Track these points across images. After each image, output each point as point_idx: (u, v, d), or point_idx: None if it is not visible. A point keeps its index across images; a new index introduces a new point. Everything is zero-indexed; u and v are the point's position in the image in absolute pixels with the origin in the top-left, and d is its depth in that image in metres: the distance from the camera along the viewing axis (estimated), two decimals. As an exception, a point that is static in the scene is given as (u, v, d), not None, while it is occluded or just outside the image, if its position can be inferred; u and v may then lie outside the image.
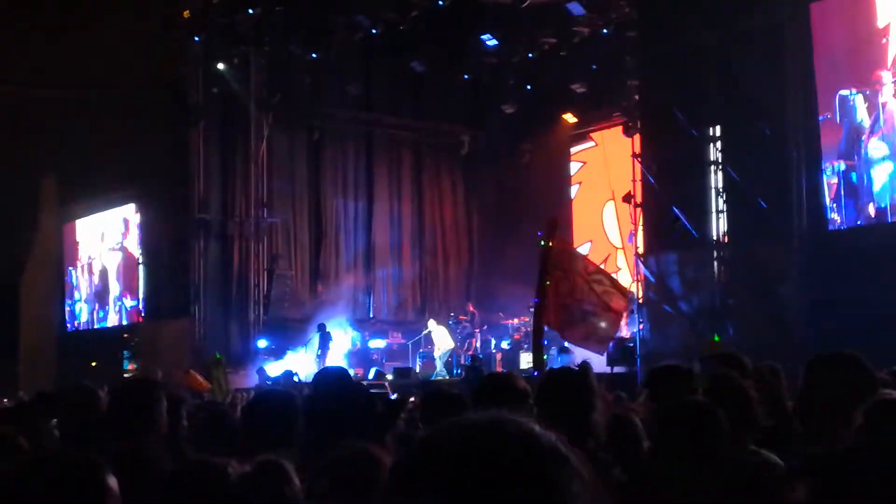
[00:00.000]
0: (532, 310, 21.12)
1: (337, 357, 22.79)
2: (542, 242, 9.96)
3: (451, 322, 24.13)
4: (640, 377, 15.61)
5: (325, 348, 22.70)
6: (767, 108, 16.62)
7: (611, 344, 18.19)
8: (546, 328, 10.50)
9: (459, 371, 21.26)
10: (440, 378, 21.85)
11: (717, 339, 16.79)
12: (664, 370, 5.33)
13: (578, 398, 4.27)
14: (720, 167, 17.86)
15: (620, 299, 10.53)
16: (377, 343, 24.41)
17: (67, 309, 31.14)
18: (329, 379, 5.20)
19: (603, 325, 10.20)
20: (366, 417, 4.81)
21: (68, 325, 31.06)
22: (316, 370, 21.91)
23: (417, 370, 23.03)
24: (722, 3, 17.25)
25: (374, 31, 22.80)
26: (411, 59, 23.93)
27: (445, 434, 1.51)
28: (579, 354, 18.79)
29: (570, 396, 4.29)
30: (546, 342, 11.92)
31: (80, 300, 30.92)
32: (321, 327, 23.06)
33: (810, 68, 16.35)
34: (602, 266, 13.59)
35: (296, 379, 18.53)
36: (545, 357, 10.89)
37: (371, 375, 21.89)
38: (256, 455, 3.38)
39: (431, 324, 23.32)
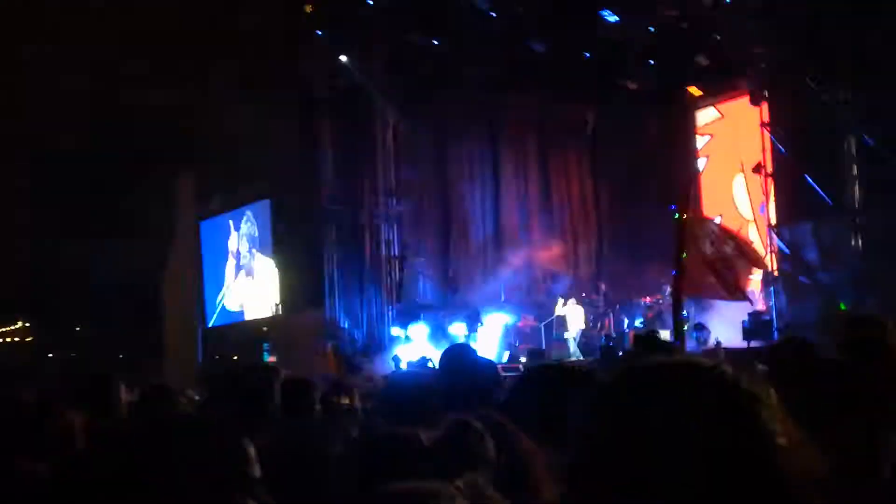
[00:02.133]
0: (670, 283, 21.06)
1: (489, 341, 22.91)
2: (676, 215, 9.96)
3: (584, 301, 23.96)
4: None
5: (474, 331, 22.86)
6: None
7: (746, 316, 17.96)
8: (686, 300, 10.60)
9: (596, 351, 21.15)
10: (576, 360, 21.75)
11: (842, 307, 16.40)
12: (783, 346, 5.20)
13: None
14: (854, 132, 17.36)
15: (754, 260, 10.51)
16: (508, 323, 24.34)
17: (209, 304, 31.97)
18: (454, 356, 5.28)
19: (736, 276, 10.19)
20: (494, 390, 4.87)
21: (209, 320, 31.88)
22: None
23: (551, 353, 22.99)
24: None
25: (492, 13, 22.74)
26: (531, 40, 23.80)
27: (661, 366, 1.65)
28: (714, 332, 18.66)
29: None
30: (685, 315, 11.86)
31: (221, 296, 31.70)
32: (472, 314, 23.25)
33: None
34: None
35: (430, 365, 18.67)
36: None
37: (505, 359, 21.94)
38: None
39: (563, 304, 23.17)
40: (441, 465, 2.96)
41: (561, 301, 23.14)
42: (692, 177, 25.39)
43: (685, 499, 1.52)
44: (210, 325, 31.70)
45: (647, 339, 18.01)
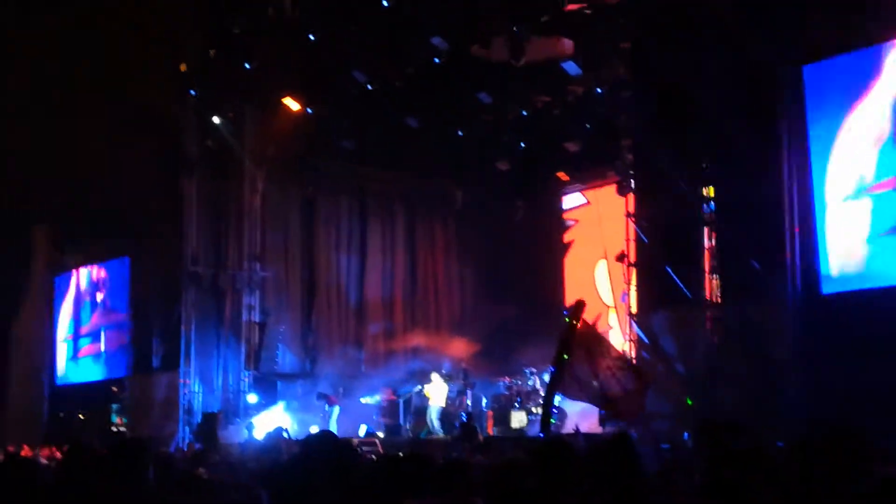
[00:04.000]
0: (534, 373, 21.24)
1: (340, 419, 22.66)
2: (568, 320, 10.44)
3: (445, 378, 23.88)
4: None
5: (329, 412, 22.59)
6: (762, 168, 16.64)
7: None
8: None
9: (454, 428, 21.06)
10: (435, 437, 21.61)
11: (689, 402, 16.79)
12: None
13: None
14: (714, 227, 17.87)
15: (638, 380, 10.92)
16: (368, 400, 24.11)
17: (57, 360, 30.94)
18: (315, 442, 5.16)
19: (625, 404, 10.64)
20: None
21: (58, 376, 30.84)
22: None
23: (408, 427, 22.86)
24: (715, 64, 17.27)
25: (369, 86, 22.84)
26: (406, 115, 23.96)
27: None
28: (570, 416, 18.79)
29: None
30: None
31: (70, 352, 30.73)
32: (320, 396, 23.01)
33: (804, 130, 16.39)
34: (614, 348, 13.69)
35: (285, 435, 18.36)
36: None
37: (362, 433, 21.72)
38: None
39: (432, 379, 22.87)
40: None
41: (433, 374, 22.83)
42: (555, 261, 25.80)
43: None
44: (59, 382, 30.65)
45: (467, 425, 18.14)
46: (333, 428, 21.91)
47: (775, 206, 16.53)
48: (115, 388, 28.38)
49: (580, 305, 11.08)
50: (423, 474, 3.52)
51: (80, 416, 28.18)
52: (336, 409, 22.62)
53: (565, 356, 10.03)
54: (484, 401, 22.98)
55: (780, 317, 16.45)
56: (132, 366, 27.52)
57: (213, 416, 21.83)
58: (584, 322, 10.86)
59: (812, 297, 16.16)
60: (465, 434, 18.55)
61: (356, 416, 23.23)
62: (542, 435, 9.52)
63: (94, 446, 5.59)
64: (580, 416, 17.87)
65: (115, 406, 28.13)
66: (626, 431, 5.06)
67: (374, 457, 13.19)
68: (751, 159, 16.78)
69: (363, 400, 23.93)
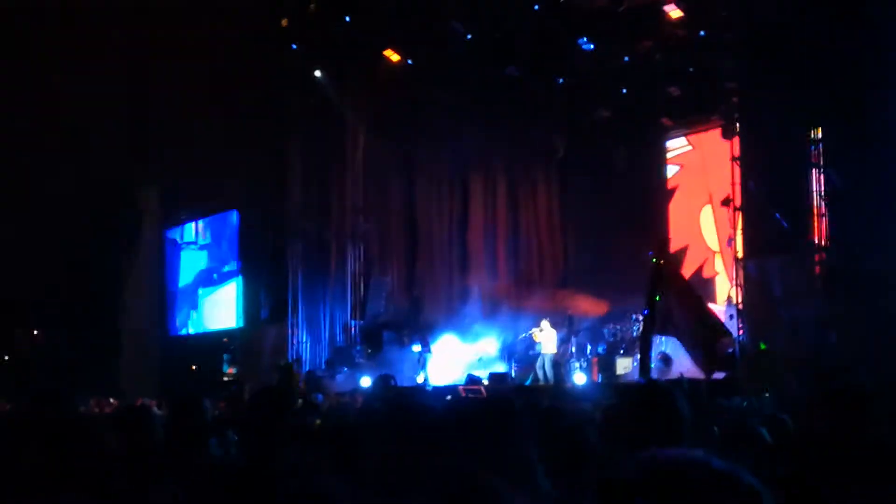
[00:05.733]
0: (641, 320, 21.12)
1: (443, 365, 22.82)
2: (654, 260, 10.23)
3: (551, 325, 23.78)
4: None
5: (424, 358, 22.76)
6: (871, 109, 16.20)
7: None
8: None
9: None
10: (542, 384, 21.61)
11: (763, 346, 16.51)
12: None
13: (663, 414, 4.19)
14: (822, 169, 17.46)
15: (723, 336, 10.70)
16: (474, 347, 24.20)
17: (169, 314, 31.72)
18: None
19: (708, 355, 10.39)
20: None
21: (171, 329, 31.63)
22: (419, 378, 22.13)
23: (513, 375, 22.91)
24: (817, 4, 16.81)
25: (468, 36, 22.76)
26: (506, 65, 23.79)
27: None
28: (678, 362, 18.66)
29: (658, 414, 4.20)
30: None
31: (182, 305, 31.46)
32: (421, 339, 23.17)
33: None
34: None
35: (392, 384, 18.57)
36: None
37: (463, 381, 21.86)
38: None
39: (541, 326, 22.75)
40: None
41: (544, 323, 22.71)
42: (659, 208, 25.49)
43: None
44: (172, 335, 31.46)
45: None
46: (429, 375, 22.15)
47: (886, 148, 16.09)
48: (225, 339, 29.00)
49: (664, 243, 10.87)
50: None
51: (192, 367, 28.86)
52: (430, 356, 22.79)
53: (657, 297, 9.88)
54: (589, 348, 22.94)
55: (891, 264, 16.05)
56: (242, 317, 28.09)
57: (287, 367, 22.16)
58: (670, 262, 10.67)
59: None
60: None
61: (461, 363, 23.37)
62: (642, 381, 9.36)
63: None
64: (687, 361, 17.72)
65: (226, 356, 28.75)
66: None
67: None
68: (859, 99, 16.33)
69: (469, 347, 24.06)
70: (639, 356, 20.78)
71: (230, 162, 26.38)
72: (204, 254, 30.64)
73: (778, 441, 4.65)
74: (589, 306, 24.04)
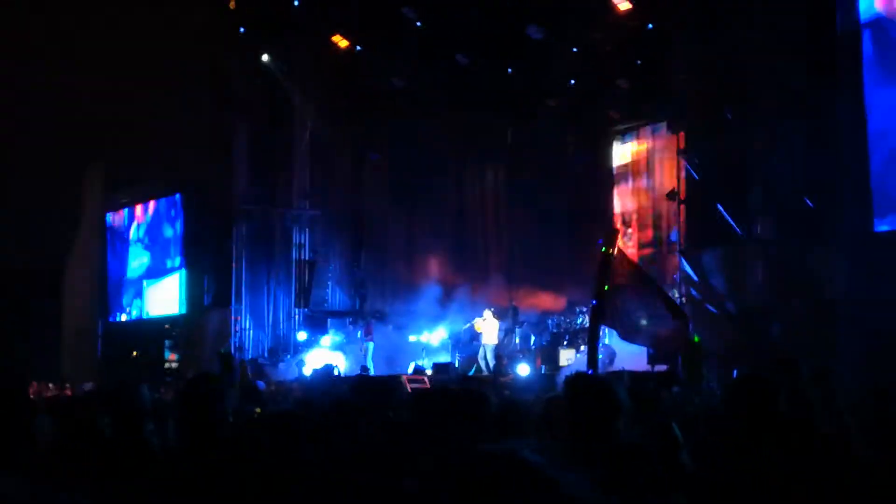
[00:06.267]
0: (586, 311, 21.14)
1: (386, 355, 22.77)
2: (604, 249, 10.11)
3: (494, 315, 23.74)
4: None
5: (367, 347, 22.68)
6: (815, 106, 16.33)
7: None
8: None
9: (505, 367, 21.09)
10: (484, 375, 21.58)
11: (696, 339, 16.64)
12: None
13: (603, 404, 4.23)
14: (766, 164, 17.59)
15: (678, 315, 10.65)
16: (417, 338, 24.15)
17: (111, 298, 31.33)
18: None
19: (666, 333, 10.34)
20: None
21: (113, 315, 31.24)
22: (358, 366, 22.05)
23: (457, 365, 22.88)
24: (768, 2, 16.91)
25: (418, 23, 22.67)
26: (456, 52, 23.74)
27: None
28: (619, 354, 18.75)
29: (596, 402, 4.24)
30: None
31: (123, 290, 31.09)
32: (364, 328, 23.12)
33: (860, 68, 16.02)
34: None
35: (336, 373, 18.52)
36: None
37: (410, 370, 21.80)
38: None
39: (484, 315, 22.70)
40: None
41: (487, 313, 22.68)
42: (605, 198, 25.60)
43: None
44: (112, 320, 31.08)
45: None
46: (370, 364, 22.09)
47: (828, 145, 16.23)
48: (167, 326, 28.72)
49: (614, 233, 10.80)
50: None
51: (134, 353, 28.56)
52: (370, 346, 22.72)
53: (605, 287, 9.81)
54: (532, 339, 22.97)
55: (832, 255, 16.21)
56: (185, 304, 27.82)
57: (227, 355, 22.00)
58: (620, 251, 10.60)
59: (865, 236, 15.89)
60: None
61: (407, 353, 23.33)
62: (590, 372, 9.32)
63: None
64: (632, 356, 17.79)
65: (167, 343, 28.48)
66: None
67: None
68: (805, 96, 16.46)
69: (412, 338, 24.02)
70: (585, 348, 20.92)
71: (175, 144, 26.11)
72: (148, 254, 30.17)
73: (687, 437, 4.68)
74: (544, 302, 24.09)
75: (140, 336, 29.35)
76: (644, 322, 10.27)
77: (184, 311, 27.83)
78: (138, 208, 30.60)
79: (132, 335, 29.72)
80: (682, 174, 19.22)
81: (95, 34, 25.39)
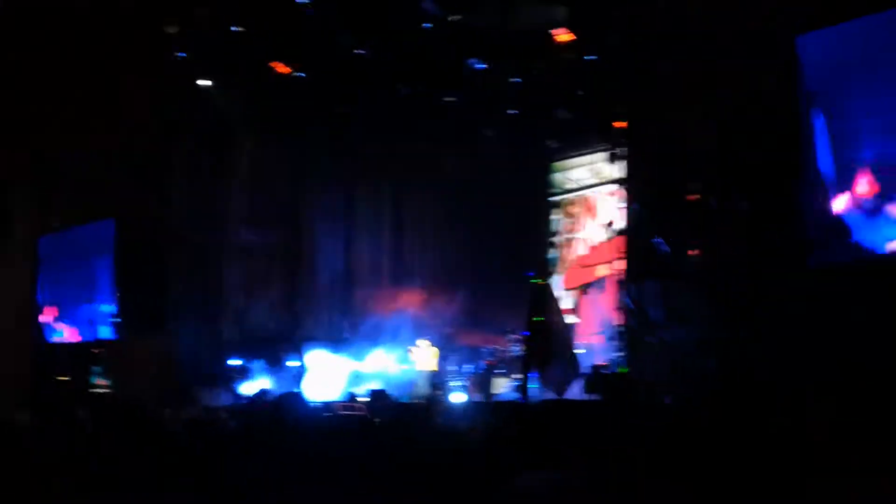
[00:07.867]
0: (516, 339, 21.15)
1: (319, 380, 22.58)
2: (534, 281, 10.23)
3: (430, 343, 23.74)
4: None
5: (300, 373, 22.54)
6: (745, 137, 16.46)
7: (588, 369, 18.10)
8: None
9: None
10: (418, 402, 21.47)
11: (623, 370, 16.70)
12: None
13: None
14: (709, 194, 17.69)
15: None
16: (355, 364, 24.01)
17: (40, 323, 30.69)
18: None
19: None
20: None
21: (41, 339, 30.57)
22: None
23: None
24: (707, 39, 17.05)
25: (356, 51, 22.65)
26: (396, 82, 23.76)
27: None
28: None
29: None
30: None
31: (54, 314, 30.51)
32: (297, 354, 22.94)
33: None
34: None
35: (268, 398, 18.24)
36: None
37: (341, 397, 21.62)
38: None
39: (418, 344, 22.67)
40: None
41: (423, 341, 22.60)
42: (544, 229, 25.66)
43: None
44: (42, 345, 30.39)
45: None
46: (304, 391, 21.88)
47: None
48: (95, 350, 28.19)
49: (545, 264, 10.89)
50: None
51: (59, 378, 27.98)
52: (306, 371, 22.61)
53: (536, 318, 9.87)
54: (465, 367, 22.95)
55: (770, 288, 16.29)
56: (116, 328, 27.35)
57: (160, 378, 21.82)
58: (548, 285, 10.70)
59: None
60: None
61: (339, 379, 23.16)
62: (521, 399, 9.37)
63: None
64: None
65: (96, 369, 27.95)
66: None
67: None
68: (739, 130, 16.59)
69: (347, 363, 23.86)
70: (518, 376, 20.92)
71: (109, 168, 25.73)
72: (79, 278, 29.56)
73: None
74: (483, 340, 24.13)
75: (69, 361, 28.76)
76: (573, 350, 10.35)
77: (114, 336, 27.33)
78: (70, 233, 30.02)
79: (61, 360, 29.12)
80: (622, 205, 19.32)
81: (26, 54, 24.96)
